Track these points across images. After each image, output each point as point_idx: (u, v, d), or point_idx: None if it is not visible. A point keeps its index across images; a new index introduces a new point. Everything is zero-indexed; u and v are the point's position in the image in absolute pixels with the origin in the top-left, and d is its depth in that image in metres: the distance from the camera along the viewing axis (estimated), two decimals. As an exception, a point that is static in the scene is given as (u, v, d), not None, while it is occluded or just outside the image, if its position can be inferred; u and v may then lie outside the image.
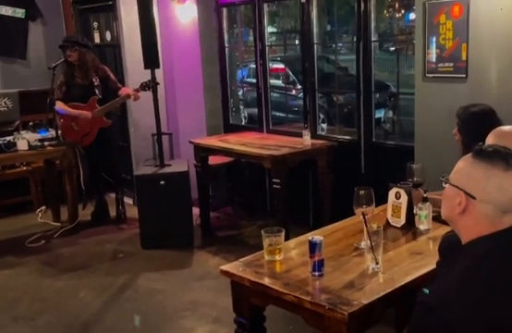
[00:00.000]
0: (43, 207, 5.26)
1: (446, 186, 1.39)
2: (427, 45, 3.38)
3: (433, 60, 3.37)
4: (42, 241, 4.51)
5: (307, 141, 4.20)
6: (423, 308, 1.22)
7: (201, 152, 4.53)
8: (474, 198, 1.30)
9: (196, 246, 4.32)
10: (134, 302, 3.48)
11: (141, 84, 4.41)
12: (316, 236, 1.96)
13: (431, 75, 3.39)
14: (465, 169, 1.34)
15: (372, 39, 4.00)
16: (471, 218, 1.32)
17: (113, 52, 5.54)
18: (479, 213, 1.31)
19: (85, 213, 4.93)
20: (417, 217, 2.28)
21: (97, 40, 5.70)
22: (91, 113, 4.58)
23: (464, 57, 3.21)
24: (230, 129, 5.22)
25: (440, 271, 1.45)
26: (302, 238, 2.26)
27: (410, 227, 2.28)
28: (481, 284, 1.22)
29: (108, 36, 5.53)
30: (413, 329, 1.29)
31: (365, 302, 1.70)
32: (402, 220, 2.28)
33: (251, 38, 5.06)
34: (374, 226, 1.96)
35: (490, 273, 1.24)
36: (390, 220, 2.33)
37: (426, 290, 1.28)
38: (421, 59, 3.41)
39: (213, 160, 4.66)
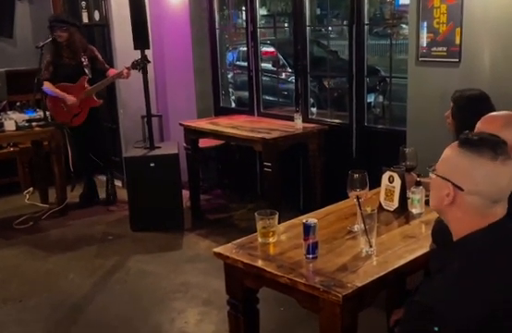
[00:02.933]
0: (31, 189, 5.22)
1: (433, 176, 1.36)
2: (420, 29, 3.36)
3: (427, 44, 3.36)
4: (30, 223, 4.48)
5: (298, 124, 4.19)
6: (421, 309, 1.20)
7: (192, 134, 4.50)
8: (462, 190, 1.27)
9: (186, 229, 4.32)
10: (124, 284, 3.48)
11: (133, 62, 4.35)
12: (310, 218, 1.96)
13: (424, 59, 3.38)
14: (451, 160, 1.31)
15: (365, 22, 3.98)
16: (460, 210, 1.30)
17: (101, 32, 5.44)
18: (468, 204, 1.28)
19: (74, 195, 4.90)
20: (410, 201, 2.29)
21: (85, 19, 5.58)
22: (75, 99, 4.52)
23: (458, 42, 3.20)
24: (220, 111, 5.19)
25: (434, 266, 1.42)
26: (294, 221, 2.26)
27: (403, 210, 2.29)
28: (477, 284, 1.20)
29: (97, 16, 5.42)
30: (410, 329, 1.27)
31: (359, 284, 1.71)
32: (395, 204, 2.29)
33: (241, 20, 4.99)
34: (368, 209, 1.96)
35: (485, 273, 1.22)
36: (383, 204, 2.34)
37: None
38: (414, 43, 3.40)
39: (203, 143, 4.64)
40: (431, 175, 1.39)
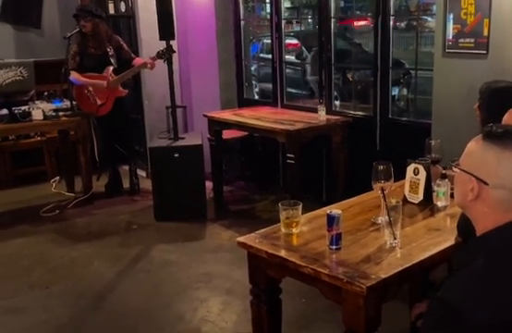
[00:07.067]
0: (57, 178, 5.31)
1: (457, 171, 1.33)
2: (447, 20, 3.32)
3: (453, 36, 3.31)
4: (57, 211, 4.56)
5: (322, 116, 4.18)
6: (444, 306, 1.17)
7: (215, 125, 4.52)
8: (487, 184, 1.24)
9: (209, 219, 4.36)
10: (148, 273, 3.53)
11: (158, 52, 4.38)
12: (334, 209, 1.96)
13: (450, 51, 3.34)
14: (475, 153, 1.28)
15: (391, 14, 3.94)
16: (485, 205, 1.26)
17: (127, 23, 5.49)
18: (493, 199, 1.25)
19: (99, 184, 4.97)
20: (435, 194, 2.27)
21: (111, 10, 5.63)
22: (106, 82, 4.56)
23: (485, 33, 3.15)
24: (244, 103, 5.20)
25: (457, 262, 1.39)
26: (318, 212, 2.25)
27: (428, 203, 2.27)
28: (503, 284, 1.17)
29: (123, 7, 5.47)
30: (432, 326, 1.24)
31: (383, 276, 1.70)
32: (420, 196, 2.27)
33: (265, 12, 4.98)
34: (393, 201, 1.95)
35: (510, 270, 1.19)
36: (407, 196, 2.32)
37: None
38: (441, 35, 3.35)
39: (226, 134, 4.65)
40: (454, 170, 1.35)
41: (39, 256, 3.80)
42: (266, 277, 2.05)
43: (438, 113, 3.48)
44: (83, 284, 3.41)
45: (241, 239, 2.07)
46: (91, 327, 2.97)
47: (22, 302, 3.20)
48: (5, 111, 4.34)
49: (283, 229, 2.08)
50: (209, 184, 4.58)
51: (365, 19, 5.75)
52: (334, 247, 1.91)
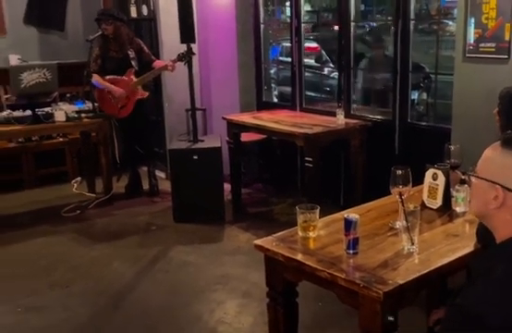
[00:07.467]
0: (79, 178, 5.38)
1: (475, 180, 1.31)
2: (468, 25, 3.30)
3: (474, 40, 3.30)
4: (78, 211, 4.63)
5: (340, 120, 4.19)
6: (463, 314, 1.18)
7: (234, 128, 4.55)
8: None
9: (227, 221, 4.38)
10: (166, 274, 3.56)
11: (178, 55, 4.44)
12: (351, 214, 1.97)
13: (471, 55, 3.33)
14: (496, 161, 1.27)
15: (411, 18, 3.93)
16: (509, 212, 1.25)
17: (149, 26, 5.55)
18: None
19: (119, 185, 5.03)
20: (454, 199, 2.26)
21: (133, 14, 5.71)
22: (125, 92, 4.62)
23: (507, 37, 3.13)
24: (263, 106, 5.22)
25: (477, 269, 1.38)
26: (335, 216, 2.25)
27: (447, 209, 2.26)
28: None
29: (145, 10, 5.53)
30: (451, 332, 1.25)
31: (401, 281, 1.70)
32: (438, 202, 2.26)
33: (285, 16, 5.00)
34: (411, 206, 1.95)
35: None
36: (426, 201, 2.32)
37: None
38: (462, 39, 3.34)
39: (245, 137, 4.68)
40: (472, 179, 1.33)
41: (59, 256, 3.86)
42: (283, 280, 2.05)
43: (458, 118, 3.46)
44: (103, 283, 3.45)
45: (258, 242, 2.08)
46: (111, 327, 3.01)
47: (42, 300, 3.25)
48: (28, 112, 4.42)
49: (300, 233, 2.08)
50: (227, 186, 4.61)
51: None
52: (351, 251, 1.91)
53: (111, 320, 3.06)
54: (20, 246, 4.02)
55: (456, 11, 3.51)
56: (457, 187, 2.26)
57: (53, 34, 6.10)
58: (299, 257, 1.94)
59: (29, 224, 4.41)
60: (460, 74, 3.41)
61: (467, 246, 1.93)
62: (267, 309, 2.16)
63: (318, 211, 2.07)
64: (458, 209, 2.25)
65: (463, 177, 2.28)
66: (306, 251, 1.99)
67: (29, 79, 4.33)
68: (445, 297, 1.84)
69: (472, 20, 3.29)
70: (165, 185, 4.96)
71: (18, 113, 4.43)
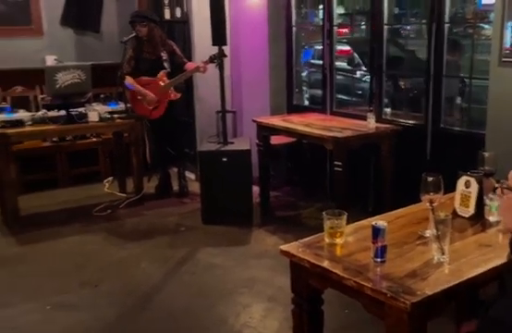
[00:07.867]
0: (110, 178, 5.45)
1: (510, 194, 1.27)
2: (505, 29, 3.23)
3: (511, 44, 3.22)
4: (109, 211, 4.69)
5: (371, 124, 4.14)
6: (496, 327, 1.15)
7: (264, 131, 4.54)
8: None
9: (255, 224, 4.38)
10: (193, 276, 3.58)
11: (210, 57, 4.46)
12: (380, 221, 1.94)
13: (507, 60, 3.25)
14: None
15: (446, 21, 3.87)
16: None
17: (182, 28, 5.59)
18: None
19: (150, 185, 5.08)
20: (487, 208, 2.20)
21: (167, 16, 5.76)
22: (155, 96, 4.67)
23: (544, 42, 3.06)
24: (293, 109, 5.20)
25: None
26: (363, 222, 2.22)
27: (479, 217, 2.20)
28: None
29: (178, 12, 5.58)
30: None
31: (429, 292, 1.66)
32: (471, 210, 2.21)
33: (317, 19, 4.98)
34: (442, 214, 1.91)
35: None
36: (458, 210, 2.27)
37: None
38: (498, 43, 3.27)
39: (275, 140, 4.67)
40: (507, 193, 1.27)
41: (90, 254, 3.91)
42: (308, 286, 2.03)
43: (493, 123, 3.38)
44: (131, 284, 3.48)
45: (284, 247, 2.06)
46: (138, 328, 3.02)
47: (72, 299, 3.30)
48: (62, 112, 4.50)
49: (326, 239, 2.05)
50: (256, 189, 4.60)
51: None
52: (378, 260, 1.88)
53: (137, 321, 3.08)
54: (52, 244, 4.09)
55: (492, 15, 3.44)
56: (490, 195, 2.20)
57: (88, 36, 6.21)
58: (325, 264, 1.91)
59: (61, 222, 4.48)
60: (496, 78, 3.34)
61: (500, 257, 1.88)
62: (292, 315, 2.14)
63: (345, 217, 2.04)
64: (491, 218, 2.20)
65: (497, 185, 2.23)
66: (332, 258, 1.96)
67: (63, 79, 4.41)
68: (476, 308, 1.79)
69: (509, 24, 3.22)
70: (195, 186, 4.99)
71: (52, 113, 4.51)
